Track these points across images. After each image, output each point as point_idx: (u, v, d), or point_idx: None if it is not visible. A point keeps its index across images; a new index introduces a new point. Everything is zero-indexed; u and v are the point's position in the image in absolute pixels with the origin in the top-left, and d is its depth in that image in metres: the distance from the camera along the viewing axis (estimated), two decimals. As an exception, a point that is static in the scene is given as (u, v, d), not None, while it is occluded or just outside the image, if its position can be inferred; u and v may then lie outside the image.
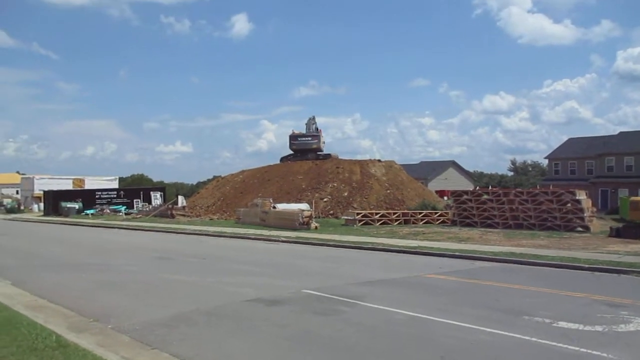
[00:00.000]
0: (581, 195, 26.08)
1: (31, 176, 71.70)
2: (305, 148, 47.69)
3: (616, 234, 21.83)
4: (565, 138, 67.06)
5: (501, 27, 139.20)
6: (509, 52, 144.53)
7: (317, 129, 48.32)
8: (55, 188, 57.77)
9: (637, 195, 35.06)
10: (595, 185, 52.49)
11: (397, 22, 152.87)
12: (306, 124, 49.38)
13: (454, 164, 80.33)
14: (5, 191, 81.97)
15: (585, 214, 25.30)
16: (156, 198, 53.78)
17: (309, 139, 47.71)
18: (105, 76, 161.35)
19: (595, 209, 29.48)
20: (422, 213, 31.96)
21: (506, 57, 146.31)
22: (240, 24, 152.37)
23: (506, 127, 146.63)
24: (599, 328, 7.85)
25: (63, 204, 48.93)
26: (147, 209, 47.07)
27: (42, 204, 57.31)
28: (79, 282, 12.54)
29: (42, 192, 58.60)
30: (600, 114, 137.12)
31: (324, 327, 8.12)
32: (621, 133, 58.03)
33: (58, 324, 8.02)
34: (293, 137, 48.21)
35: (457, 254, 16.92)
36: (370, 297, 10.26)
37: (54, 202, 50.86)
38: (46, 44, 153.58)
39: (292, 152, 48.78)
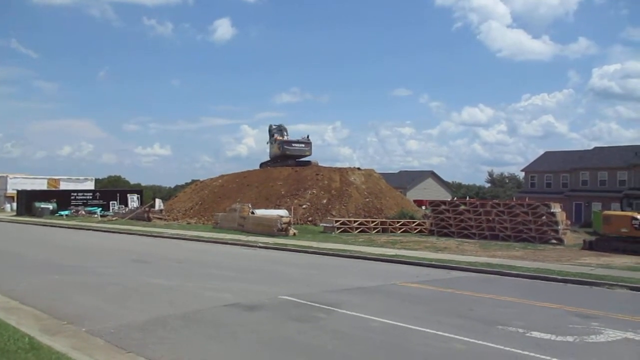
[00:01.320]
0: (556, 208, 26.56)
1: (4, 175, 70.19)
2: (299, 155, 47.27)
3: (589, 246, 22.28)
4: (541, 151, 68.16)
5: (481, 40, 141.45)
6: (488, 66, 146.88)
7: (308, 136, 48.44)
8: (29, 188, 56.80)
9: (610, 210, 35.80)
10: (570, 198, 53.52)
11: (380, 31, 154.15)
12: (269, 131, 49.54)
13: (432, 174, 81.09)
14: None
15: (559, 227, 25.76)
16: (133, 200, 53.10)
17: (303, 146, 47.32)
18: (85, 76, 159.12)
19: (569, 222, 30.02)
20: (400, 222, 32.16)
21: (485, 70, 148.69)
22: (223, 29, 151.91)
23: (484, 139, 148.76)
24: (570, 338, 8.02)
25: (37, 204, 48.03)
26: (124, 211, 46.43)
27: (15, 204, 56.17)
28: (53, 284, 12.34)
29: (15, 192, 57.46)
30: (575, 129, 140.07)
31: (301, 333, 8.14)
32: (596, 148, 59.35)
33: (31, 326, 7.89)
34: (287, 143, 47.05)
35: (433, 263, 17.09)
36: (347, 304, 10.30)
37: (27, 202, 49.89)
38: (25, 42, 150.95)
39: (272, 157, 48.56)
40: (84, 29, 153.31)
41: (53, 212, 47.29)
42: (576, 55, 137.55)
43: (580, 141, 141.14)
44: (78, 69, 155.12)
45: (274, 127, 49.88)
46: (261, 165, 50.07)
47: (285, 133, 48.32)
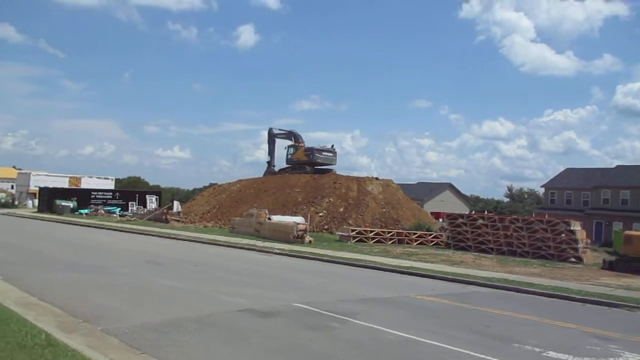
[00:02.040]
0: (576, 226, 26.16)
1: (28, 172, 71.47)
2: (325, 163, 47.10)
3: (609, 266, 21.88)
4: (561, 168, 67.25)
5: (504, 54, 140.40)
6: (510, 80, 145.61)
7: (333, 146, 48.33)
8: (51, 185, 57.60)
9: (631, 230, 35.14)
10: (591, 217, 52.65)
11: (402, 42, 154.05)
12: (270, 134, 49.87)
13: (450, 187, 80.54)
14: (0, 185, 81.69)
15: (579, 245, 25.35)
16: (151, 202, 53.61)
17: (331, 155, 47.11)
18: (109, 77, 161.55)
19: (589, 241, 29.54)
20: (416, 234, 31.97)
21: (507, 84, 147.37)
22: (247, 35, 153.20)
23: (504, 154, 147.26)
24: (587, 360, 7.88)
25: (58, 201, 48.77)
26: (142, 212, 46.91)
27: (36, 201, 57.11)
28: (71, 281, 12.50)
29: (37, 189, 58.42)
30: (597, 146, 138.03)
31: (314, 341, 8.12)
32: (618, 166, 58.38)
33: (48, 322, 7.99)
34: (317, 151, 46.48)
35: (449, 276, 16.93)
36: (361, 314, 10.25)
37: (48, 199, 50.71)
38: (53, 42, 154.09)
39: (292, 163, 48.52)
40: (110, 31, 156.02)
41: (73, 210, 47.95)
42: (600, 72, 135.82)
43: (602, 158, 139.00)
44: (103, 70, 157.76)
45: (277, 131, 49.73)
46: (270, 173, 49.57)
47: (300, 139, 48.33)
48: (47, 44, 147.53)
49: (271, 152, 51.01)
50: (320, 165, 46.96)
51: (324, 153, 46.82)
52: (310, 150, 46.63)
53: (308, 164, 46.74)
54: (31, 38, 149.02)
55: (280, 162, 50.63)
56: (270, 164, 50.98)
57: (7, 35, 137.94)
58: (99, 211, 49.14)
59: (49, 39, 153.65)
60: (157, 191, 63.58)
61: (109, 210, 49.99)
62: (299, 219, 31.65)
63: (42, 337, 6.87)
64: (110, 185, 69.12)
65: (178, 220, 41.16)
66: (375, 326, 9.30)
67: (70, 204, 48.75)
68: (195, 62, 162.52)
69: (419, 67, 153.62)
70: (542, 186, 65.76)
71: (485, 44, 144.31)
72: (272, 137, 50.58)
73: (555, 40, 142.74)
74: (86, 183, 66.30)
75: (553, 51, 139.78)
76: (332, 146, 48.14)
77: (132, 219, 43.65)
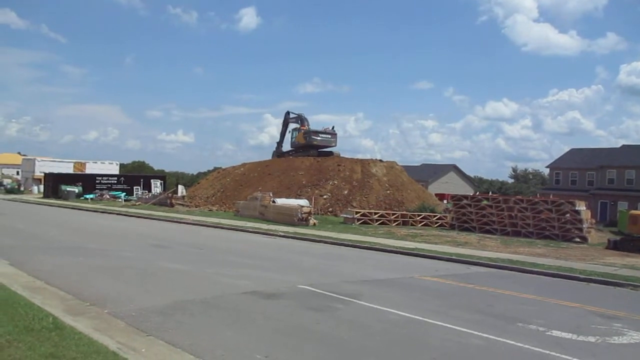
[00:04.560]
0: (581, 206, 26.09)
1: (32, 158, 71.77)
2: (324, 145, 47.11)
3: (614, 246, 21.86)
4: (566, 148, 66.93)
5: (506, 34, 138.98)
6: (513, 60, 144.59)
7: (333, 127, 48.32)
8: (56, 171, 57.87)
9: (636, 209, 35.04)
10: (595, 196, 52.49)
11: (403, 24, 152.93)
12: (285, 117, 49.82)
13: (455, 168, 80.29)
14: (5, 171, 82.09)
15: (583, 225, 25.33)
16: (156, 186, 53.80)
17: (329, 137, 47.14)
18: (111, 62, 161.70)
19: (594, 221, 29.49)
20: (420, 215, 31.98)
21: (510, 64, 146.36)
22: (249, 18, 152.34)
23: (508, 134, 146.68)
24: (592, 339, 7.89)
25: (63, 187, 48.99)
26: (147, 196, 47.08)
27: (42, 186, 57.41)
28: (77, 265, 12.59)
29: (42, 174, 58.67)
30: (602, 126, 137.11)
31: (318, 323, 8.16)
32: (624, 146, 58.01)
33: (55, 306, 8.07)
34: (314, 133, 46.62)
35: (454, 257, 16.96)
36: (365, 295, 10.30)
37: (54, 184, 50.96)
38: (55, 27, 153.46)
39: (295, 147, 48.52)
40: (111, 16, 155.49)
41: (78, 196, 48.21)
42: (604, 51, 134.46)
43: (607, 138, 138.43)
44: (105, 55, 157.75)
45: (291, 115, 49.78)
46: (277, 154, 49.94)
47: (306, 123, 48.24)
48: (48, 29, 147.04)
49: (282, 134, 51.26)
50: (319, 148, 46.94)
51: (321, 135, 46.82)
52: (307, 133, 46.68)
53: (306, 146, 46.82)
54: (32, 23, 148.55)
55: (288, 146, 50.84)
56: (279, 144, 51.33)
57: (9, 20, 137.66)
58: (104, 196, 49.36)
59: (50, 24, 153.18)
60: (161, 175, 63.72)
61: (114, 195, 50.22)
62: (303, 202, 31.70)
63: (49, 321, 6.93)
64: (115, 170, 69.38)
65: (183, 204, 41.32)
66: (379, 307, 9.34)
67: (76, 189, 48.99)
68: (197, 45, 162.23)
69: (421, 48, 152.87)
70: (547, 167, 65.56)
71: (487, 24, 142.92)
72: (286, 121, 50.74)
73: (558, 19, 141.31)
74: (91, 168, 66.60)
75: (556, 30, 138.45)
76: (333, 128, 48.12)
77: (137, 203, 43.82)
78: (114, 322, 7.46)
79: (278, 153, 50.56)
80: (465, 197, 31.39)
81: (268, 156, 52.11)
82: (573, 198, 29.52)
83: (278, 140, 51.80)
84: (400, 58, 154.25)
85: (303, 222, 27.33)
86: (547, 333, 8.10)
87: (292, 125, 49.86)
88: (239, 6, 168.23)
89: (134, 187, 53.68)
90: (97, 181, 53.73)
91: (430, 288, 11.99)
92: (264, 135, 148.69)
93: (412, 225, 30.49)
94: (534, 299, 11.07)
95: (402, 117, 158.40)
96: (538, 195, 39.35)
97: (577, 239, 25.04)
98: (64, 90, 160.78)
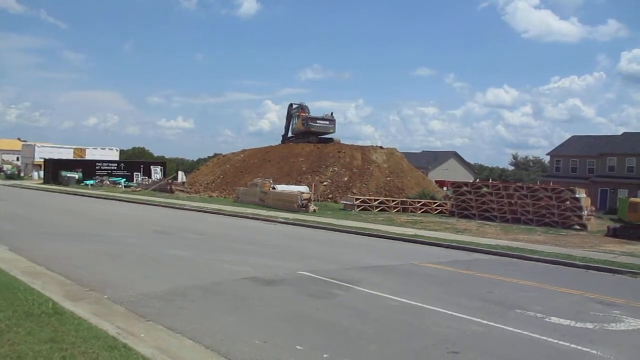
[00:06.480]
0: (581, 194, 26.10)
1: (32, 144, 71.62)
2: (323, 132, 46.86)
3: (613, 233, 21.90)
4: (567, 135, 66.77)
5: (506, 21, 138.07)
6: (514, 47, 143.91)
7: (332, 113, 48.02)
8: (56, 157, 57.75)
9: (636, 197, 35.01)
10: (595, 184, 52.45)
11: (403, 11, 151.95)
12: (289, 110, 49.39)
13: (455, 155, 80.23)
14: (5, 157, 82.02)
15: (583, 213, 25.34)
16: (156, 172, 53.75)
17: (327, 123, 46.84)
18: (111, 48, 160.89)
19: (594, 208, 29.49)
20: (420, 202, 32.00)
21: (510, 51, 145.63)
22: (249, 3, 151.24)
23: (508, 122, 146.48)
24: (590, 325, 7.92)
25: (63, 173, 48.94)
26: (147, 182, 47.06)
27: (42, 172, 57.33)
28: (77, 251, 12.59)
29: (42, 160, 58.59)
30: (603, 114, 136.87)
31: (318, 309, 8.18)
32: (625, 134, 57.84)
33: (55, 291, 8.07)
34: (312, 119, 46.35)
35: (453, 244, 16.98)
36: (364, 282, 10.32)
37: (54, 170, 50.88)
38: (54, 13, 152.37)
39: (295, 133, 48.37)
40: (111, 1, 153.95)
41: (78, 182, 48.20)
42: (605, 38, 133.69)
43: (607, 126, 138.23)
44: (105, 41, 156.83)
45: (294, 106, 49.57)
46: (283, 140, 49.94)
47: (307, 110, 48.05)
48: (47, 15, 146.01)
49: (287, 127, 50.87)
50: (318, 135, 46.77)
51: (318, 121, 46.57)
52: (306, 119, 46.50)
53: (306, 132, 46.63)
54: (32, 8, 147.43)
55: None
56: (284, 137, 51.07)
57: (7, 5, 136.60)
58: (104, 182, 49.33)
59: (50, 9, 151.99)
60: (161, 162, 63.58)
61: (114, 181, 50.20)
62: (303, 188, 31.68)
63: (49, 306, 6.94)
64: (115, 156, 69.23)
65: (183, 191, 41.32)
66: (379, 293, 9.36)
67: (76, 175, 48.96)
68: (197, 31, 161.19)
69: (422, 35, 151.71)
70: (547, 154, 65.43)
71: (487, 10, 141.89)
72: (289, 113, 50.36)
73: (559, 6, 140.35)
74: (91, 154, 66.43)
75: (557, 17, 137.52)
76: (332, 114, 47.86)
77: (137, 189, 43.82)
78: (114, 307, 7.47)
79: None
80: (465, 184, 31.40)
81: (268, 143, 52.26)
82: (573, 185, 29.48)
83: (283, 133, 51.45)
84: (400, 45, 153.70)
85: (303, 208, 27.34)
86: (546, 319, 8.13)
87: (295, 117, 49.71)
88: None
89: (134, 173, 53.64)
90: (97, 167, 53.62)
91: (429, 275, 12.02)
92: (264, 122, 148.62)
93: (412, 212, 30.52)
94: (533, 286, 11.09)
95: (402, 103, 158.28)
96: (538, 182, 39.31)
97: (577, 226, 25.07)
98: (64, 76, 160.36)
